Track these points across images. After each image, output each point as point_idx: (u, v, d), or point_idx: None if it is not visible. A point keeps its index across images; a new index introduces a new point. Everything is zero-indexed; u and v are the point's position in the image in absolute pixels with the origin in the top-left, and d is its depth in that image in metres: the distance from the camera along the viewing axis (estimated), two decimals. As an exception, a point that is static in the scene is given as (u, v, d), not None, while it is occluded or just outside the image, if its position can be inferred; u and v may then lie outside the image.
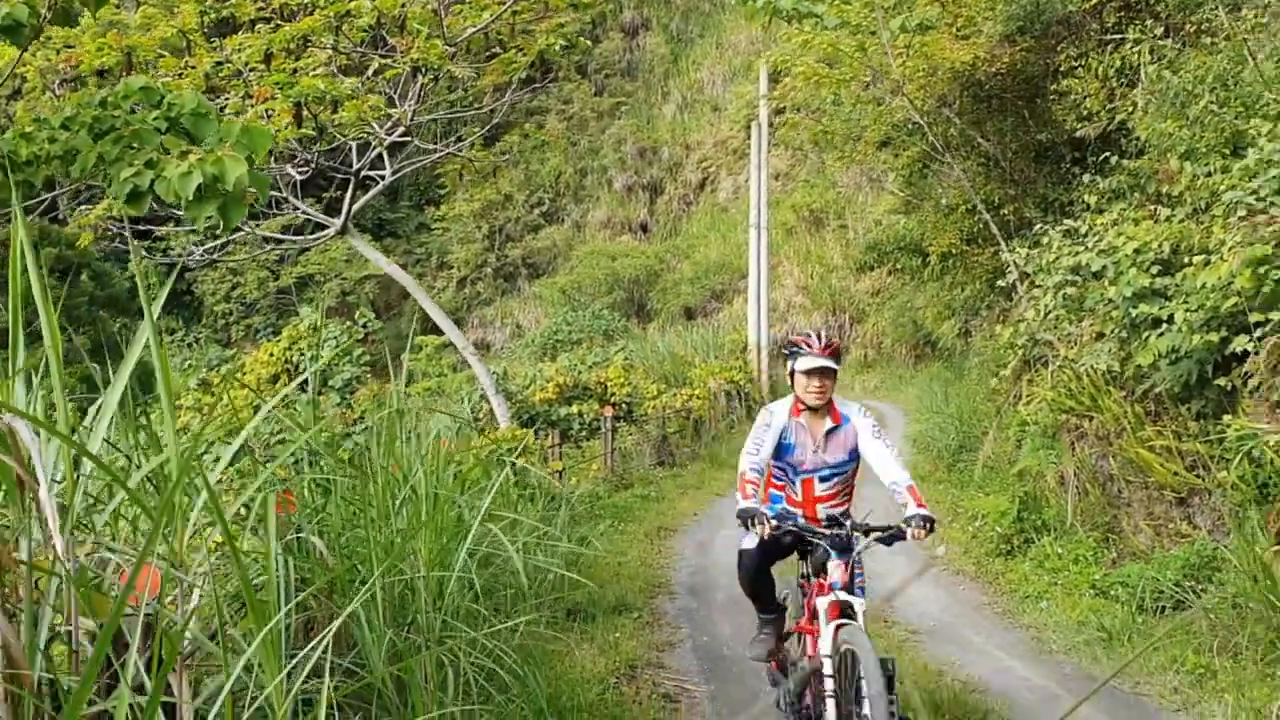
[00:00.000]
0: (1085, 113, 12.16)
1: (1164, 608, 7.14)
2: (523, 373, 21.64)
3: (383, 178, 11.91)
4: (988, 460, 13.05)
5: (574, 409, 18.48)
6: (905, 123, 13.45)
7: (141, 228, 12.20)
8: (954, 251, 13.44)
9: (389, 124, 10.44)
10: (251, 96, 8.54)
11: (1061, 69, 12.49)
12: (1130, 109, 10.32)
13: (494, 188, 57.20)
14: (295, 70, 8.63)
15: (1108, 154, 9.89)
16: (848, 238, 41.38)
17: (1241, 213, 7.09)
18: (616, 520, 11.68)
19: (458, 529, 4.74)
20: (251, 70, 8.88)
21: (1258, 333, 6.85)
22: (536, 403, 17.75)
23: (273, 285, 51.40)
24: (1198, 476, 7.94)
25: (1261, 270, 6.69)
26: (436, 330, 19.44)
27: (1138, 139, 10.05)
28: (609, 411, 16.01)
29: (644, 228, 56.17)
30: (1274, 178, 7.05)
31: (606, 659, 6.35)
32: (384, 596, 4.11)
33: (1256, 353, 6.92)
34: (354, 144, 10.84)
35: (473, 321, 53.30)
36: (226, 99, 9.13)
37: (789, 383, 5.27)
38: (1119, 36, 11.62)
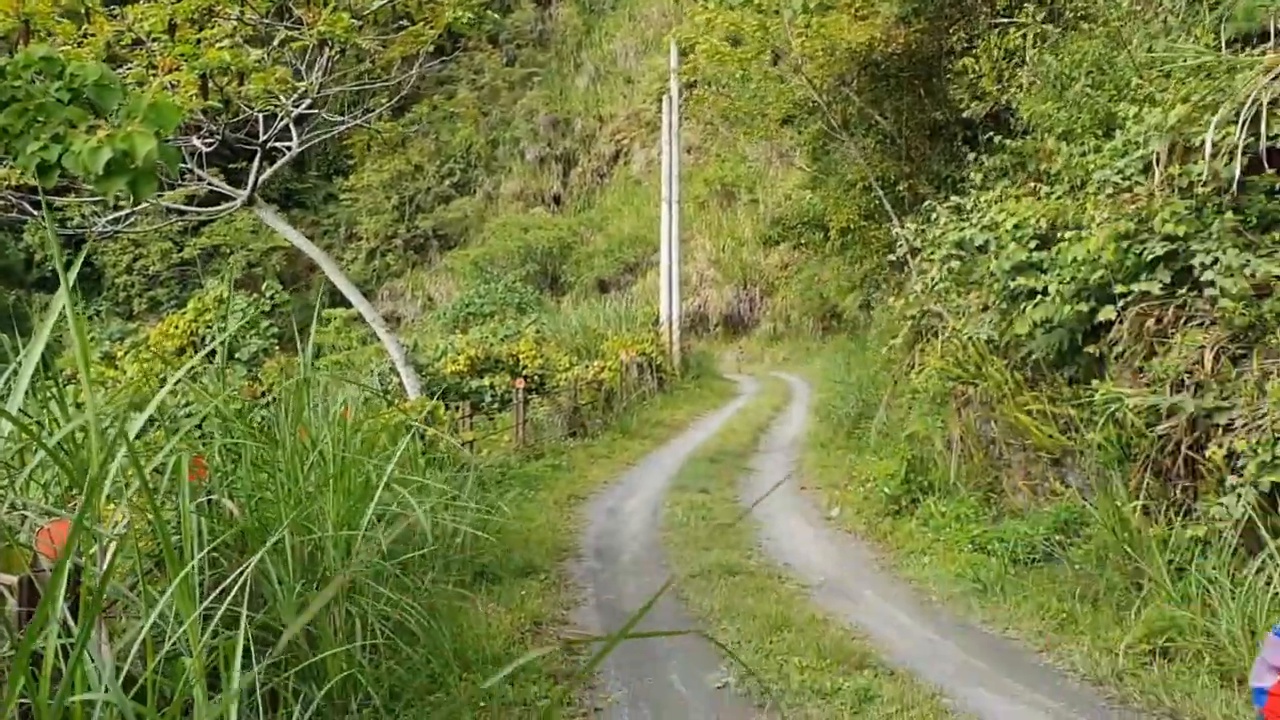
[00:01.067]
0: (979, 92, 12.70)
1: (1035, 560, 7.67)
2: (433, 345, 21.72)
3: (289, 149, 11.89)
4: (882, 427, 13.62)
5: (485, 381, 18.64)
6: (806, 101, 13.85)
7: (38, 197, 12.00)
8: (853, 226, 13.93)
9: (296, 96, 10.45)
10: (155, 67, 8.49)
11: (955, 49, 13.00)
12: (1016, 90, 10.85)
13: (404, 158, 56.61)
14: (200, 41, 8.60)
15: (992, 134, 10.41)
16: (758, 211, 42.03)
17: (1109, 190, 7.59)
18: (526, 488, 11.93)
19: (365, 491, 4.96)
20: (155, 40, 8.82)
21: (1121, 303, 7.37)
22: (448, 375, 17.86)
23: (177, 257, 50.17)
24: (1070, 438, 8.49)
25: (1125, 244, 7.20)
26: (345, 303, 19.41)
27: (1021, 120, 10.58)
28: (520, 384, 16.21)
29: (557, 200, 56.17)
30: (1138, 158, 7.57)
31: (512, 616, 6.63)
32: (294, 554, 4.33)
33: (1121, 321, 7.45)
34: (260, 115, 10.81)
35: (383, 294, 52.78)
36: (129, 69, 9.06)
37: None
38: (1007, 20, 12.16)
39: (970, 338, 10.02)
